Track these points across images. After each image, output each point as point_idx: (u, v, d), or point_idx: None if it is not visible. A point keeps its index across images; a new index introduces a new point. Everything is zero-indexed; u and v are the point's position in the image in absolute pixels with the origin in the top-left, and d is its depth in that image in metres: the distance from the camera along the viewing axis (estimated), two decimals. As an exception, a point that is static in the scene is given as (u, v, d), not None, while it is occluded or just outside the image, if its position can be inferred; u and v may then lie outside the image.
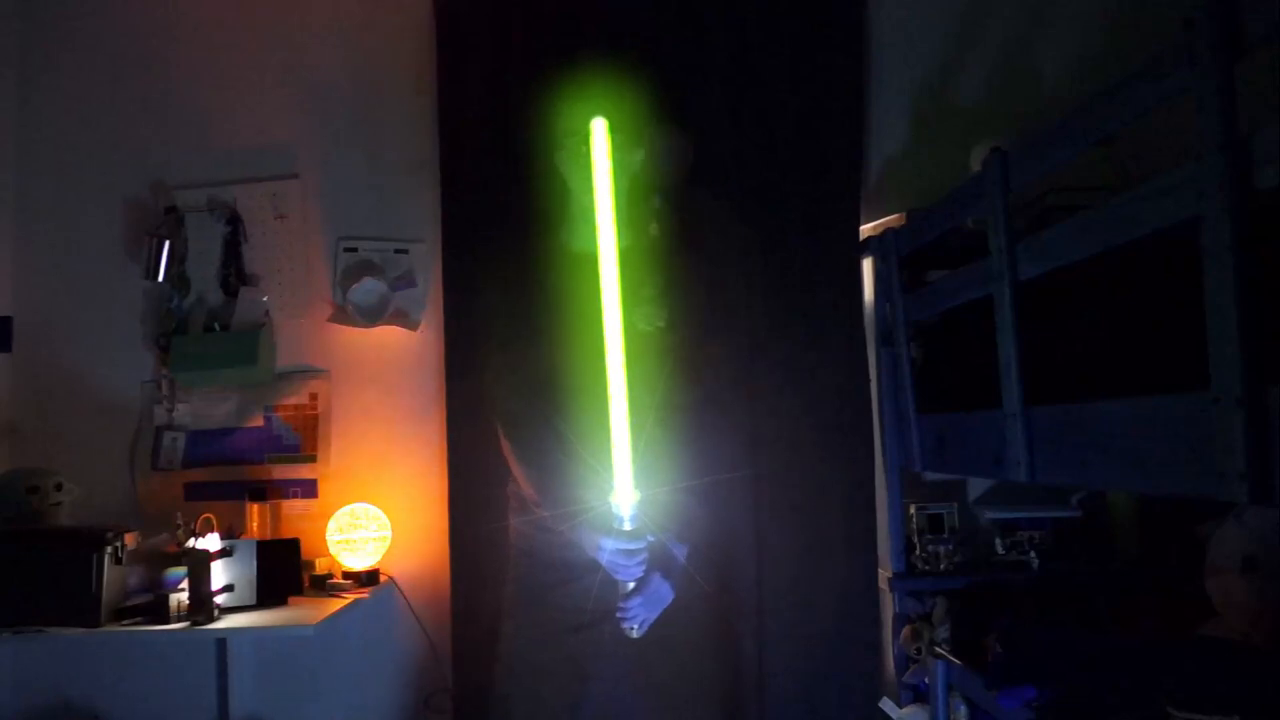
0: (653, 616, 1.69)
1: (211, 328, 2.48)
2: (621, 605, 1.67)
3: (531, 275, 1.79)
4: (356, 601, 2.21)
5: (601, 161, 1.56)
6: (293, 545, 2.25)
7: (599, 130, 1.54)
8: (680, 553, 1.72)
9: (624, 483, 1.57)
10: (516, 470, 1.79)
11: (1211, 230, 1.04)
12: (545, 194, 1.92)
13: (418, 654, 2.41)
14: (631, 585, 1.66)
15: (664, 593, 1.70)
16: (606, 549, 1.63)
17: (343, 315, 2.48)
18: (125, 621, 2.02)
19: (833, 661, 2.27)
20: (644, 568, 1.65)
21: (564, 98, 1.81)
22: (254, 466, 2.49)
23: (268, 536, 2.31)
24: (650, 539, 1.64)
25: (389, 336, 2.47)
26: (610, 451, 1.56)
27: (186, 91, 2.57)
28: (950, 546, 2.24)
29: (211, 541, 2.07)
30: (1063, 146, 1.42)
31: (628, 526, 1.60)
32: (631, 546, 1.61)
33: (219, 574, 2.06)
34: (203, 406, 2.51)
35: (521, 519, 1.88)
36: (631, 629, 1.68)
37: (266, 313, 2.50)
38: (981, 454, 1.69)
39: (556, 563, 1.82)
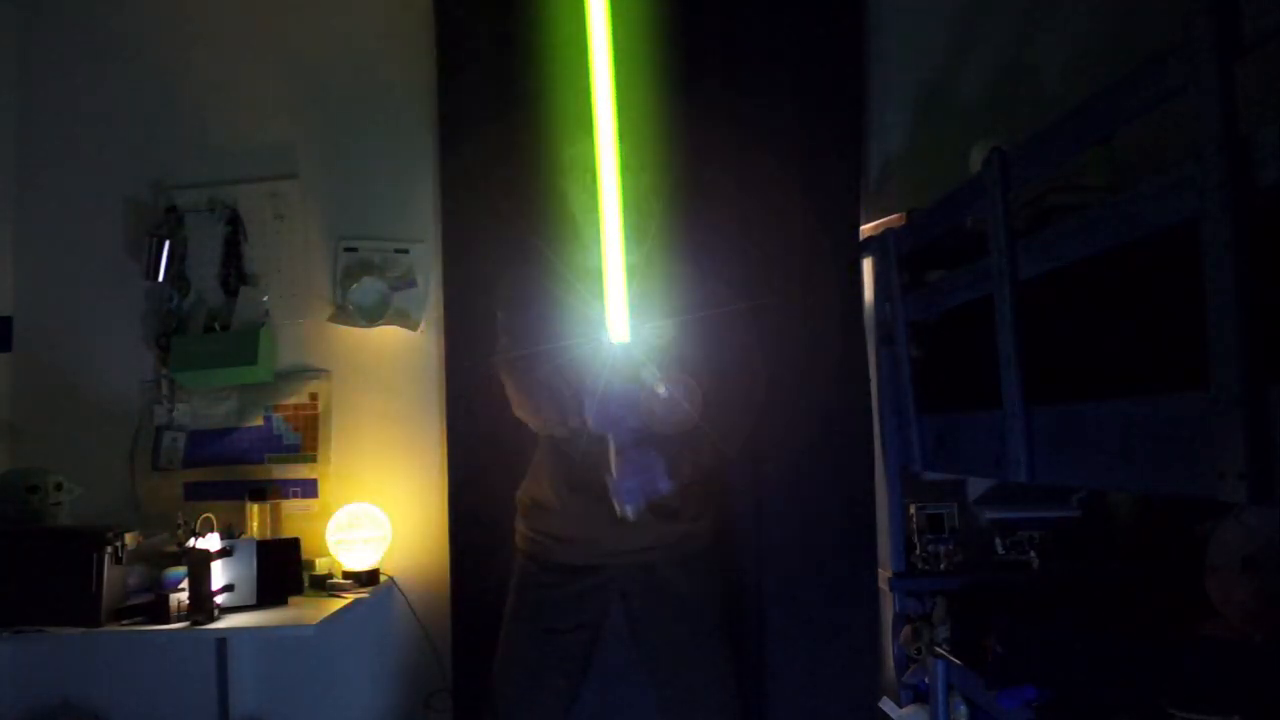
0: (644, 493, 1.59)
1: (211, 328, 2.48)
2: (613, 476, 1.57)
3: (548, 293, 1.81)
4: (356, 601, 2.21)
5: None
6: (293, 545, 2.25)
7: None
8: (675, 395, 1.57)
9: (617, 319, 1.43)
10: (519, 401, 1.74)
11: (1211, 230, 1.04)
12: (549, 205, 1.93)
13: (418, 654, 2.41)
14: (616, 453, 1.56)
15: (655, 464, 1.59)
16: (596, 395, 1.53)
17: (343, 315, 2.48)
18: (125, 621, 2.02)
19: (833, 661, 2.27)
20: (634, 425, 1.56)
21: (567, 120, 1.82)
22: (254, 466, 2.49)
23: (268, 536, 2.31)
24: (646, 381, 1.52)
25: (389, 336, 2.47)
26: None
27: (186, 91, 2.57)
28: (950, 546, 2.24)
29: (211, 541, 2.07)
30: (1063, 146, 1.41)
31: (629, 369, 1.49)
32: (627, 390, 1.51)
33: (219, 574, 2.06)
34: (203, 406, 2.51)
35: (526, 523, 1.89)
36: (625, 506, 1.59)
37: (266, 313, 2.50)
38: (981, 454, 1.69)
39: (556, 566, 1.83)
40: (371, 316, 2.45)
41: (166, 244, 2.48)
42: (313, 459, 2.48)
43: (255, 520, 2.33)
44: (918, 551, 2.25)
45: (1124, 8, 2.36)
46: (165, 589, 2.04)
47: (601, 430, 1.59)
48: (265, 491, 2.39)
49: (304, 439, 2.49)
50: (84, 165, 2.59)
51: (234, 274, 2.50)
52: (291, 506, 2.46)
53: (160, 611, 2.02)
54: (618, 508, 1.61)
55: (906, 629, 2.13)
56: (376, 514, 2.33)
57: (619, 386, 1.53)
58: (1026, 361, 1.51)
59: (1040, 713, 1.60)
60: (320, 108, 2.54)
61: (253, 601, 2.11)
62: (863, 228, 2.37)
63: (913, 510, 2.27)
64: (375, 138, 2.53)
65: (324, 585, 2.27)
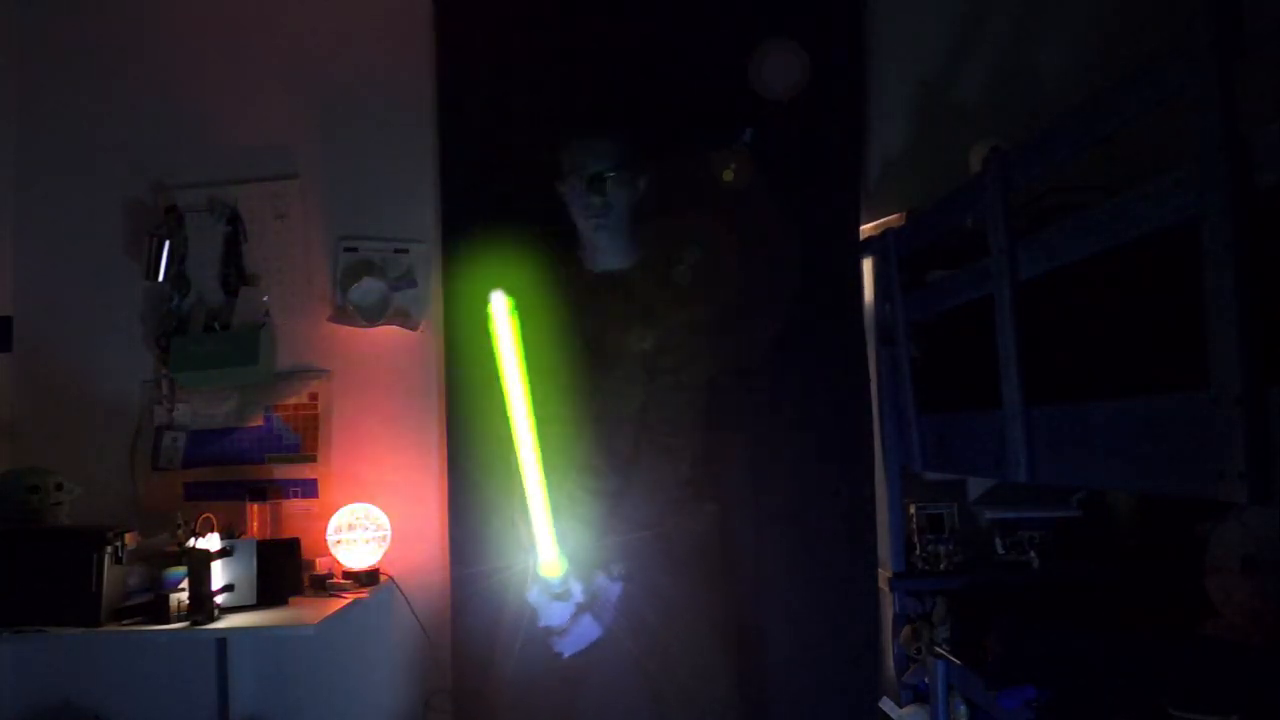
0: (580, 648, 1.76)
1: (211, 328, 2.48)
2: (552, 641, 1.76)
3: (556, 294, 1.84)
4: (356, 601, 2.21)
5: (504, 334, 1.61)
6: (293, 545, 2.25)
7: (499, 305, 1.60)
8: (614, 592, 1.77)
9: (549, 555, 1.68)
10: None
11: (1211, 230, 1.04)
12: (550, 208, 1.95)
13: (418, 654, 2.41)
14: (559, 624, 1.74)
15: (590, 632, 1.76)
16: (533, 597, 1.74)
17: (343, 315, 2.48)
18: (125, 621, 2.02)
19: (833, 661, 2.27)
20: (569, 612, 1.72)
21: (565, 120, 1.85)
22: (254, 466, 2.49)
23: (268, 536, 2.31)
24: (577, 599, 1.72)
25: (389, 336, 2.47)
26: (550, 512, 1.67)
27: (186, 91, 2.57)
28: (950, 546, 2.24)
29: (211, 541, 2.07)
30: (1063, 146, 1.42)
31: (556, 590, 1.70)
32: (557, 604, 1.72)
33: (219, 574, 2.06)
34: (203, 406, 2.51)
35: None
36: (560, 655, 1.77)
37: (266, 313, 2.50)
38: (981, 454, 1.70)
39: None
40: (371, 316, 2.45)
41: (166, 244, 2.48)
42: (313, 459, 2.48)
43: (255, 520, 2.33)
44: (918, 551, 2.25)
45: (1124, 8, 2.37)
46: (165, 589, 2.04)
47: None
48: (265, 491, 2.38)
49: (304, 439, 2.49)
50: (84, 165, 2.58)
51: (234, 274, 2.50)
52: (291, 506, 2.46)
53: (160, 611, 2.02)
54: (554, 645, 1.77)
55: (906, 629, 2.13)
56: (376, 514, 2.33)
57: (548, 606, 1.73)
58: (1026, 361, 1.51)
59: (1040, 713, 1.60)
60: (320, 108, 2.54)
61: (252, 602, 2.11)
62: (863, 228, 2.37)
63: (913, 510, 2.27)
64: (375, 138, 2.53)
65: (324, 585, 2.27)
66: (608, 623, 1.76)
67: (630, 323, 1.83)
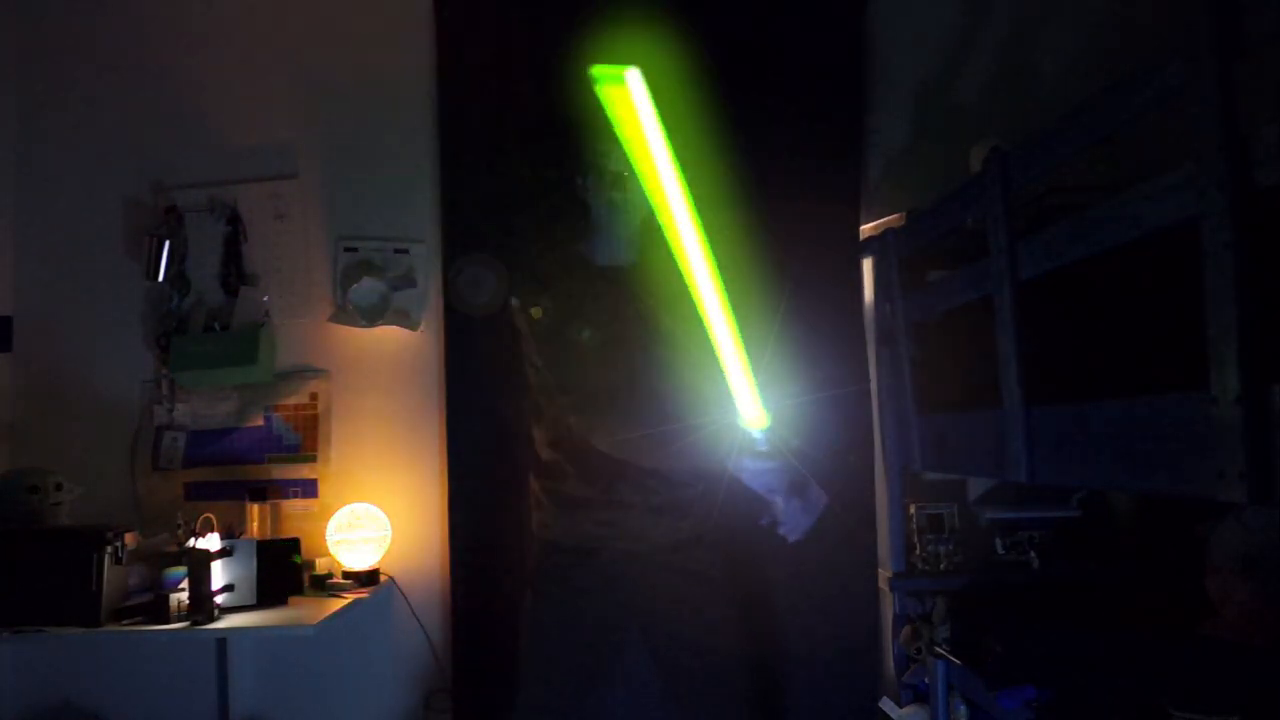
0: (811, 522, 1.72)
1: (211, 328, 2.48)
2: (776, 517, 1.71)
3: (559, 288, 1.81)
4: (356, 601, 2.21)
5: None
6: (293, 545, 2.25)
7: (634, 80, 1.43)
8: (821, 499, 1.73)
9: (752, 407, 1.61)
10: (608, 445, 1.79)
11: (1211, 230, 1.04)
12: (554, 202, 1.93)
13: (418, 654, 2.41)
14: (777, 499, 1.70)
15: (819, 497, 1.72)
16: (748, 469, 1.68)
17: (343, 315, 2.48)
18: (125, 621, 2.02)
19: (833, 661, 2.27)
20: (782, 476, 1.69)
21: (581, 121, 1.83)
22: (254, 466, 2.49)
23: (268, 536, 2.31)
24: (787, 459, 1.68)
25: (389, 336, 2.47)
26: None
27: (186, 91, 2.57)
28: (950, 546, 2.24)
29: (211, 541, 2.07)
30: (1062, 147, 1.42)
31: (763, 448, 1.66)
32: (771, 465, 1.67)
33: (219, 574, 2.06)
34: (203, 406, 2.51)
35: (550, 514, 1.89)
36: (791, 536, 1.72)
37: (266, 313, 2.50)
38: (981, 454, 1.70)
39: (576, 547, 1.83)
40: (371, 316, 2.45)
41: (166, 244, 2.48)
42: (313, 459, 2.48)
43: (255, 520, 2.33)
44: (918, 551, 2.25)
45: (1124, 8, 2.37)
46: (165, 589, 2.04)
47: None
48: (265, 491, 2.39)
49: (304, 439, 2.49)
50: (84, 165, 2.58)
51: (234, 274, 2.50)
52: (291, 506, 2.46)
53: (160, 611, 2.02)
54: (783, 535, 1.73)
55: (906, 629, 2.13)
56: (376, 514, 2.33)
57: (765, 473, 1.69)
58: (1026, 361, 1.51)
59: (1040, 713, 1.60)
60: (320, 108, 2.54)
61: (253, 602, 2.11)
62: (863, 228, 2.37)
63: (913, 510, 2.27)
64: (375, 138, 2.53)
65: (324, 585, 2.27)
66: (816, 517, 1.72)
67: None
